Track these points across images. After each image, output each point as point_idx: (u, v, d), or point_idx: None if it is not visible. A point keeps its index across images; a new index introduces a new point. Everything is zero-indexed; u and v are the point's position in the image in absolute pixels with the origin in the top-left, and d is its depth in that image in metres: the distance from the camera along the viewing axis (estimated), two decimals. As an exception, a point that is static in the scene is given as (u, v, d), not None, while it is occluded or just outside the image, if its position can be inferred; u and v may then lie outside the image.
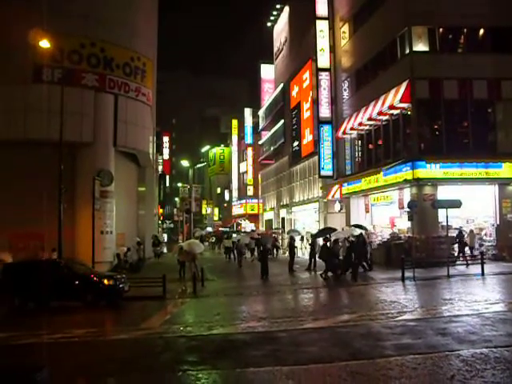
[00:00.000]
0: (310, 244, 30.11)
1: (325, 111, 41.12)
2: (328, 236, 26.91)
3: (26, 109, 27.64)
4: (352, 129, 36.79)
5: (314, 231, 41.27)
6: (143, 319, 16.19)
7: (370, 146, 35.89)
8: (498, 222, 29.00)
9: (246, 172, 79.68)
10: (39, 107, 27.04)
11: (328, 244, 26.05)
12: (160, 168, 66.19)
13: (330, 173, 41.29)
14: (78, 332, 14.43)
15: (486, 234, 29.04)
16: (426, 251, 27.10)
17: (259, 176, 73.55)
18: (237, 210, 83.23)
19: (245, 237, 40.53)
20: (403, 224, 30.12)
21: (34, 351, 12.16)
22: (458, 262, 26.14)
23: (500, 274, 23.14)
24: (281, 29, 61.28)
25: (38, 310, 18.98)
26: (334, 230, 28.91)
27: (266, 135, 66.22)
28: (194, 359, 11.05)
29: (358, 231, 27.93)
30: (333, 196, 40.61)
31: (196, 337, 13.32)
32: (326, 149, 41.04)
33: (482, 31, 30.39)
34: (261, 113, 69.40)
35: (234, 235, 46.35)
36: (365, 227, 30.39)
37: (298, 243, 34.48)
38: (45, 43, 22.71)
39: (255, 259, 36.35)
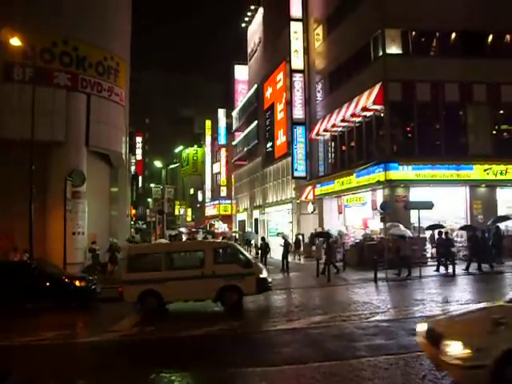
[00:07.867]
0: (282, 245, 30.10)
1: (298, 112, 41.31)
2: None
3: (-5, 108, 27.15)
4: (325, 130, 36.96)
5: (287, 232, 41.50)
6: (115, 321, 16.00)
7: (343, 148, 36.11)
8: (469, 223, 29.33)
9: (220, 173, 79.48)
10: (10, 106, 26.58)
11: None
12: (133, 168, 65.69)
13: (303, 174, 41.47)
14: (48, 335, 14.20)
15: (457, 235, 29.32)
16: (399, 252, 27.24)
17: (232, 177, 73.39)
18: (210, 210, 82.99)
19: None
20: (376, 225, 30.32)
21: (3, 354, 11.96)
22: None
23: (471, 275, 23.44)
24: (255, 30, 61.22)
25: (8, 312, 18.67)
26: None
27: (239, 136, 66.14)
28: (167, 361, 10.98)
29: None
30: (306, 197, 40.76)
31: (168, 339, 13.24)
32: (300, 150, 41.22)
33: (454, 35, 30.80)
34: (234, 114, 69.31)
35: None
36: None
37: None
38: (16, 41, 22.31)
39: None
